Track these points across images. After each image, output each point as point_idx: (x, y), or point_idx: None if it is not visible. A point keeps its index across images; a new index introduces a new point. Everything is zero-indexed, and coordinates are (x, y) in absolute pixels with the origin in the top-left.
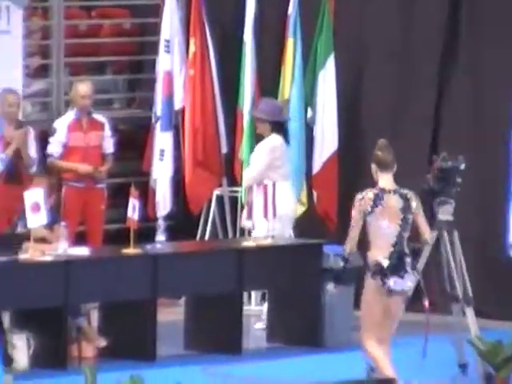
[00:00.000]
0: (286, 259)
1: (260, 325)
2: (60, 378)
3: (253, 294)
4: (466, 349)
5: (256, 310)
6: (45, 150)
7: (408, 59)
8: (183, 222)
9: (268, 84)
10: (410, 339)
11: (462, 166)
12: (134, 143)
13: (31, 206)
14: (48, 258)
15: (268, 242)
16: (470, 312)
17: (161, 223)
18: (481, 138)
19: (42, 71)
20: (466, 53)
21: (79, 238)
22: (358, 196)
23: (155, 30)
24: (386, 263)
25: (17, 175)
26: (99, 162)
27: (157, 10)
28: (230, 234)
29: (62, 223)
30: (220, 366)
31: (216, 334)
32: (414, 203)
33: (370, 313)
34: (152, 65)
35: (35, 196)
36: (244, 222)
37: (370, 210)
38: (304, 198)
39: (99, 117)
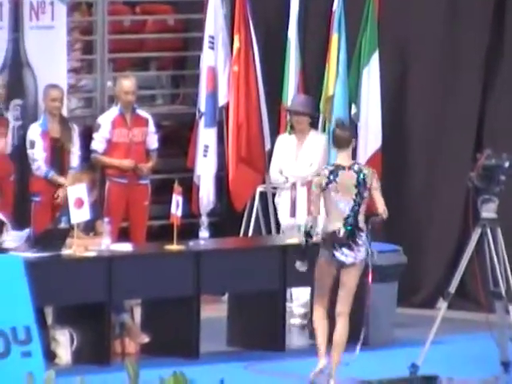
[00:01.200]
0: None
1: (296, 320)
2: (103, 373)
3: (295, 291)
4: (510, 347)
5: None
6: (89, 146)
7: (453, 56)
8: (226, 218)
9: (312, 80)
10: (453, 337)
11: (507, 164)
12: (177, 139)
13: (74, 201)
14: (91, 254)
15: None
16: None
17: (204, 220)
18: None
19: (86, 67)
20: (511, 48)
21: (123, 234)
22: (317, 173)
23: (199, 26)
24: (339, 233)
25: (59, 170)
26: (143, 158)
27: (201, 6)
28: (274, 231)
29: (106, 219)
30: (263, 362)
31: (259, 330)
32: (369, 179)
33: (320, 282)
34: (196, 61)
35: (78, 192)
36: (285, 220)
37: (324, 185)
38: None
39: (143, 113)
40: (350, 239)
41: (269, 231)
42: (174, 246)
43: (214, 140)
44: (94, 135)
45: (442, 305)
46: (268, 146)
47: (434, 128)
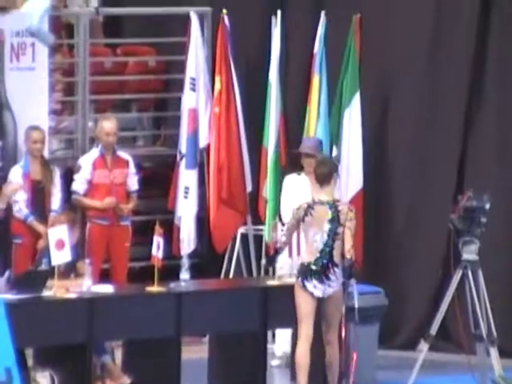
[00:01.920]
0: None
1: (276, 362)
2: None
3: (277, 332)
4: None
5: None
6: (69, 187)
7: (434, 96)
8: (208, 260)
9: (293, 122)
10: (435, 378)
11: (487, 206)
12: (158, 181)
13: (55, 243)
14: (72, 296)
15: (292, 280)
16: (494, 352)
17: (185, 261)
18: (507, 176)
19: (67, 108)
20: (492, 91)
21: (103, 276)
22: (297, 206)
23: (180, 67)
24: (311, 266)
25: (40, 213)
26: (124, 199)
27: (182, 48)
28: (255, 273)
29: (87, 260)
30: None
31: (240, 372)
32: (344, 217)
33: (299, 310)
34: (177, 102)
35: (59, 233)
36: (280, 262)
37: (302, 218)
38: None
39: (124, 154)
40: (321, 273)
41: (250, 273)
42: (155, 288)
43: (194, 181)
44: (75, 176)
45: (424, 347)
46: (249, 188)
47: (416, 169)
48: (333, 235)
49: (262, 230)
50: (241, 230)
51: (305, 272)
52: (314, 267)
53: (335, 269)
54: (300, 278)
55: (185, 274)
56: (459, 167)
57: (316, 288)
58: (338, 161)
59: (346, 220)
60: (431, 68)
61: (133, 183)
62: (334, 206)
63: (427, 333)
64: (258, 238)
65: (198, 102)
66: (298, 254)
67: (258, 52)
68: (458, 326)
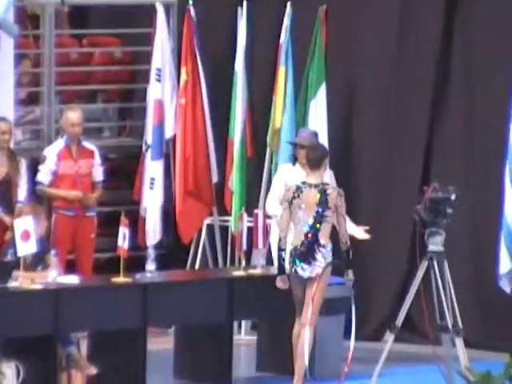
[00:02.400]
0: (276, 289)
1: None
2: None
3: (243, 323)
4: (456, 379)
5: (246, 339)
6: (35, 178)
7: (400, 89)
8: (173, 251)
9: (259, 113)
10: (401, 369)
11: (453, 197)
12: (124, 172)
13: (21, 234)
14: (38, 287)
15: (258, 271)
16: (459, 342)
17: (151, 252)
18: (473, 169)
19: (33, 99)
20: (458, 83)
21: (69, 267)
22: (286, 187)
23: (146, 58)
24: (298, 248)
25: (7, 204)
26: (89, 190)
27: (148, 39)
28: (221, 264)
29: (52, 251)
30: None
31: (206, 363)
32: (331, 200)
33: (293, 294)
34: (143, 93)
35: (25, 224)
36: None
37: (291, 200)
38: None
39: (89, 145)
40: (307, 255)
41: (216, 264)
42: (121, 279)
43: (160, 172)
44: (40, 167)
45: (389, 338)
46: (215, 179)
47: (382, 160)
48: (320, 218)
49: (228, 221)
50: (207, 221)
51: (293, 256)
52: (300, 250)
53: (321, 249)
54: (290, 264)
55: (151, 265)
56: (425, 159)
57: (304, 270)
58: None
59: (334, 204)
60: (398, 60)
61: (98, 174)
62: (322, 189)
63: (393, 324)
64: (224, 229)
65: (164, 93)
66: (264, 244)
67: (224, 43)
68: (423, 317)
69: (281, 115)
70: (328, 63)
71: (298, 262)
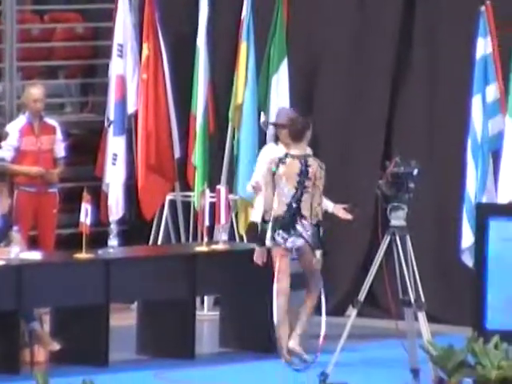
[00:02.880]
0: (238, 264)
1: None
2: (12, 383)
3: (206, 298)
4: (419, 354)
5: (209, 315)
6: None
7: (361, 64)
8: (136, 226)
9: (221, 88)
10: (363, 344)
11: (415, 172)
12: (86, 147)
13: None
14: (0, 263)
15: (220, 247)
16: (422, 317)
17: (113, 228)
18: (435, 144)
19: None
20: (420, 57)
21: (31, 243)
22: (269, 160)
23: (108, 34)
24: (279, 218)
25: None
26: (51, 166)
27: (110, 15)
28: (183, 239)
29: (15, 228)
30: (172, 371)
31: (168, 339)
32: (312, 171)
33: (275, 268)
34: (105, 69)
35: None
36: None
37: (274, 170)
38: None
39: (51, 121)
40: (288, 225)
41: (178, 239)
42: (83, 255)
43: (122, 148)
44: (2, 143)
45: (352, 312)
46: (177, 154)
47: (343, 135)
48: (302, 188)
49: (190, 196)
50: (169, 197)
51: (274, 226)
52: (281, 220)
53: (303, 221)
54: (271, 233)
55: (113, 241)
56: (387, 134)
57: (285, 240)
58: (266, 127)
59: (314, 174)
60: (358, 36)
61: (60, 150)
62: (304, 160)
63: (355, 299)
64: (187, 205)
65: (126, 69)
66: (227, 220)
67: (186, 18)
68: (386, 291)
69: (243, 91)
70: (290, 38)
71: (278, 231)
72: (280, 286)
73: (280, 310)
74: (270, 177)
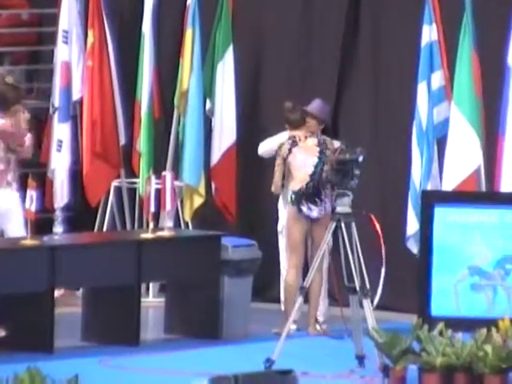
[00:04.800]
0: (184, 251)
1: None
2: None
3: (151, 285)
4: (364, 341)
5: (154, 302)
6: None
7: (307, 52)
8: (81, 213)
9: (167, 75)
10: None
11: (361, 158)
12: (31, 134)
13: None
14: None
15: (166, 233)
16: (367, 304)
17: (58, 214)
18: (380, 130)
19: None
20: (365, 45)
21: None
22: (279, 144)
23: (53, 20)
24: (304, 189)
25: None
26: None
27: (55, 1)
28: (128, 226)
29: None
30: (117, 357)
31: (114, 325)
32: (328, 142)
33: (290, 239)
34: (50, 55)
35: None
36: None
37: (287, 151)
38: (202, 190)
39: None
40: (314, 195)
41: (123, 226)
42: (29, 241)
43: (68, 135)
44: None
45: (298, 299)
46: (122, 141)
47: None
48: (323, 157)
49: (136, 183)
50: (114, 184)
51: (299, 198)
52: (305, 191)
53: (326, 191)
54: (295, 205)
55: (58, 228)
56: (333, 121)
57: (312, 210)
58: (212, 114)
59: (331, 147)
60: (304, 23)
61: None
62: (316, 134)
63: (301, 285)
64: (132, 192)
65: (71, 55)
66: (172, 206)
67: (132, 5)
68: (331, 278)
69: (188, 77)
70: (235, 25)
71: (304, 202)
72: (295, 260)
73: (290, 283)
74: (280, 160)
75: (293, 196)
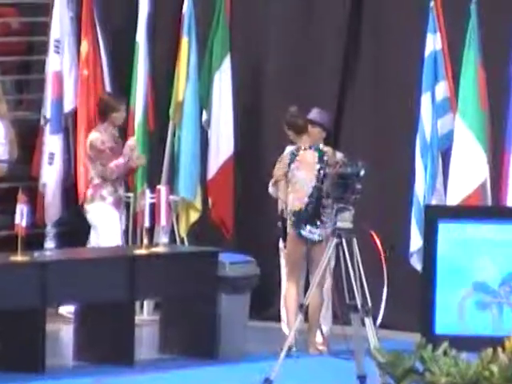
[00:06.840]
0: (179, 267)
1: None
2: None
3: (145, 302)
4: (366, 360)
5: (149, 320)
6: None
7: (308, 61)
8: (74, 228)
9: (162, 85)
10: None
11: (362, 172)
12: (21, 146)
13: None
14: None
15: (161, 249)
16: (369, 322)
17: (50, 230)
18: (383, 144)
19: None
20: (368, 54)
21: None
22: (279, 158)
23: (44, 29)
24: (303, 211)
25: None
26: None
27: (46, 9)
28: (122, 241)
29: None
30: (111, 377)
31: (107, 344)
32: (328, 156)
33: (290, 258)
34: (41, 65)
35: None
36: None
37: (288, 165)
38: (198, 205)
39: None
40: (314, 217)
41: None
42: (19, 257)
43: (59, 147)
44: None
45: (297, 317)
46: None
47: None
48: (322, 177)
49: (129, 197)
50: None
51: (299, 220)
52: (306, 213)
53: (327, 210)
54: (294, 228)
55: (49, 243)
56: (335, 134)
57: (313, 234)
58: (208, 126)
59: (331, 160)
60: (303, 32)
61: None
62: (318, 147)
63: (300, 303)
64: (127, 206)
65: (63, 65)
66: (167, 221)
67: (126, 13)
68: (332, 295)
69: (183, 88)
70: (232, 33)
71: (302, 225)
72: (295, 277)
73: (291, 299)
74: (281, 173)
75: (293, 218)
